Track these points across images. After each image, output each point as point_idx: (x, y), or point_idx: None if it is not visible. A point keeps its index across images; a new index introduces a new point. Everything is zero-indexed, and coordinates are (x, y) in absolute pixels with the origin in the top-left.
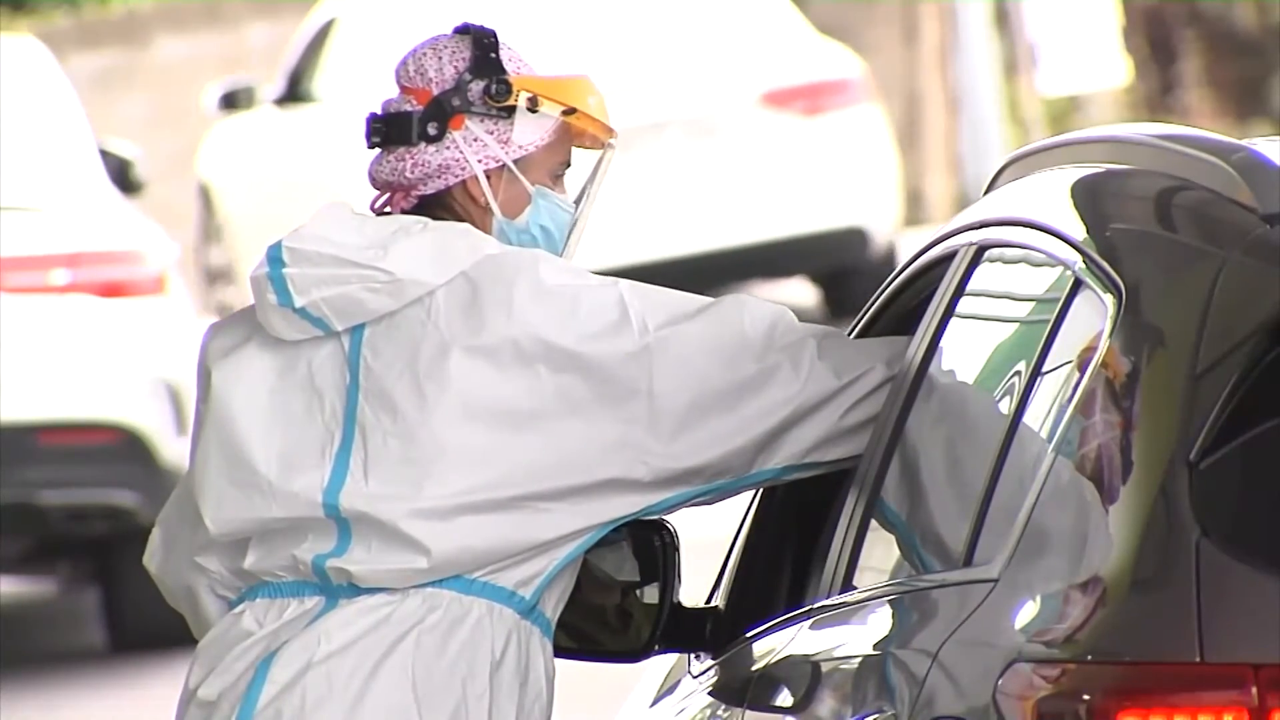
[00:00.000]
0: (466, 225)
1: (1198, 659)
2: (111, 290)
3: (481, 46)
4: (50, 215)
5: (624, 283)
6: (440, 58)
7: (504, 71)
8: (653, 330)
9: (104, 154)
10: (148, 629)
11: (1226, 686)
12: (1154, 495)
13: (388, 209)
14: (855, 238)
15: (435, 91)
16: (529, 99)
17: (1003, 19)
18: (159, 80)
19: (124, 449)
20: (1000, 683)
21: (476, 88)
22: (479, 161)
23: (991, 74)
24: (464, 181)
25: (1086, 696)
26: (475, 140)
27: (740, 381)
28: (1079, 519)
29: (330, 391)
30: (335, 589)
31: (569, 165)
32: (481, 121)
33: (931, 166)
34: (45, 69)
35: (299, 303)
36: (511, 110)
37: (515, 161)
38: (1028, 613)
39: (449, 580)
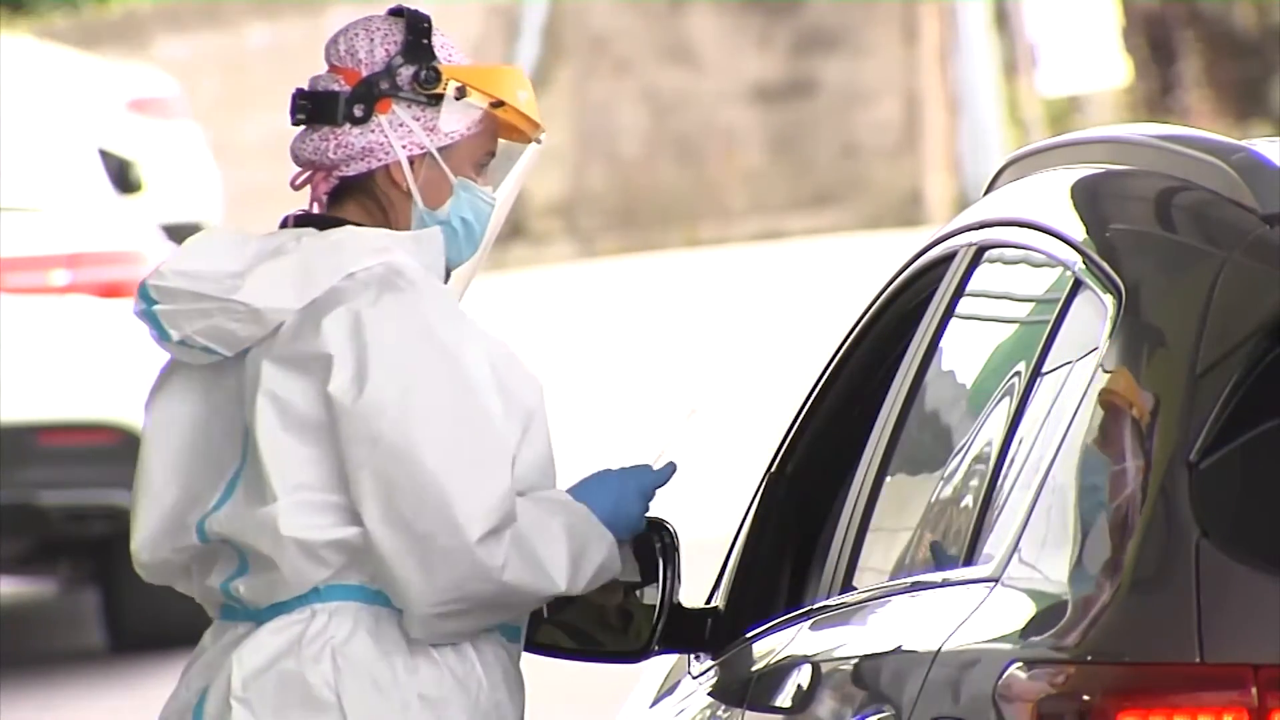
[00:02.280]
0: (350, 232)
1: (1198, 659)
2: (111, 290)
3: (415, 31)
4: (50, 215)
5: (476, 367)
6: (372, 39)
7: (435, 58)
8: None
9: (104, 154)
10: (147, 629)
11: (1226, 687)
12: (1154, 495)
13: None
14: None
15: (364, 73)
16: (458, 88)
17: (1003, 19)
18: None
19: (124, 449)
20: (1000, 683)
21: (406, 73)
22: (403, 147)
23: (991, 74)
24: (387, 166)
25: (1086, 697)
26: (401, 125)
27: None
28: (1079, 519)
29: (237, 416)
30: (253, 613)
31: (493, 155)
32: (409, 107)
33: (931, 166)
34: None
35: (175, 337)
36: (440, 98)
37: (440, 150)
38: (1028, 613)
39: (351, 590)
